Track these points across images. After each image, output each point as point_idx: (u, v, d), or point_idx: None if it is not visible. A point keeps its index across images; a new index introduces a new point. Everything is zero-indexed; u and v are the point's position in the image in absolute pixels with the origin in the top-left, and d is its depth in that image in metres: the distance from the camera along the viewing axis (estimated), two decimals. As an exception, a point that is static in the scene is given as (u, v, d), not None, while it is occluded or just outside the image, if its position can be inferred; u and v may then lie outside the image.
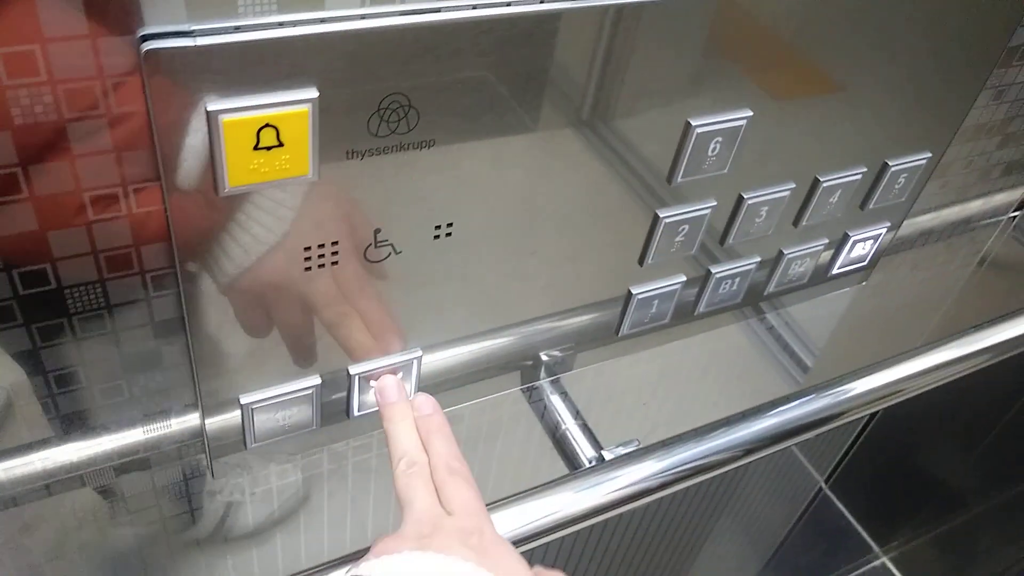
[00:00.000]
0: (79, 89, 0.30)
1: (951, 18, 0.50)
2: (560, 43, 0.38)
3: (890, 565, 1.42)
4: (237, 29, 0.31)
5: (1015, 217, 0.81)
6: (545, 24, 0.37)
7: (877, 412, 1.03)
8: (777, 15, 0.44)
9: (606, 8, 0.38)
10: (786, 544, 1.32)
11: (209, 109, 0.31)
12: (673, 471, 0.56)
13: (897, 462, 1.25)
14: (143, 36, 0.29)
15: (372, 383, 0.47)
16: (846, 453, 1.11)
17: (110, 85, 0.30)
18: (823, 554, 1.40)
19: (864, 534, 1.25)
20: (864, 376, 0.63)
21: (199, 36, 0.30)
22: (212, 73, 0.31)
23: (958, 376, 0.67)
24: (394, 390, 0.46)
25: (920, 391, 0.65)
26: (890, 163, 0.57)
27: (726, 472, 1.11)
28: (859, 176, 0.56)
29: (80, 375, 0.38)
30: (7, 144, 0.30)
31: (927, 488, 1.34)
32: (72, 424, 0.40)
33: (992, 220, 0.79)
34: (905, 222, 0.68)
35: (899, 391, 0.64)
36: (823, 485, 1.19)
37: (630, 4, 0.38)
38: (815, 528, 1.29)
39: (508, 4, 0.36)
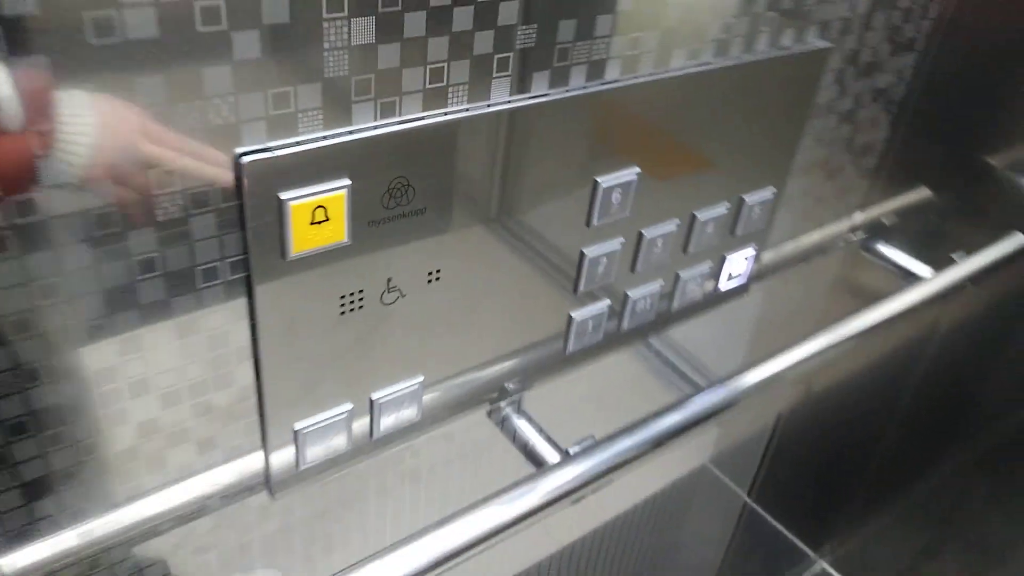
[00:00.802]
0: (198, 193, 0.44)
1: (774, 87, 0.69)
2: (487, 137, 0.54)
3: (829, 568, 1.54)
4: (298, 143, 0.46)
5: (857, 238, 1.01)
6: (469, 125, 0.53)
7: (780, 418, 1.20)
8: (646, 105, 0.61)
9: (507, 112, 0.54)
10: (724, 567, 1.44)
11: (281, 197, 0.46)
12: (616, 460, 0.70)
13: (812, 464, 1.39)
14: (241, 153, 0.44)
15: None
16: (761, 463, 1.27)
17: (217, 189, 0.44)
18: (762, 570, 1.53)
19: (797, 541, 1.38)
20: (754, 368, 0.80)
21: (276, 150, 0.45)
22: (284, 173, 0.46)
23: (835, 357, 0.84)
24: None
25: (802, 375, 0.82)
26: (745, 198, 0.75)
27: (657, 504, 1.24)
28: (725, 210, 0.74)
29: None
30: (152, 237, 0.43)
31: (845, 485, 1.47)
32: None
33: (842, 241, 0.99)
34: (771, 248, 0.86)
35: (783, 378, 0.81)
36: (747, 500, 1.33)
37: (527, 107, 0.55)
38: (750, 544, 1.41)
39: (467, 110, 0.52)
